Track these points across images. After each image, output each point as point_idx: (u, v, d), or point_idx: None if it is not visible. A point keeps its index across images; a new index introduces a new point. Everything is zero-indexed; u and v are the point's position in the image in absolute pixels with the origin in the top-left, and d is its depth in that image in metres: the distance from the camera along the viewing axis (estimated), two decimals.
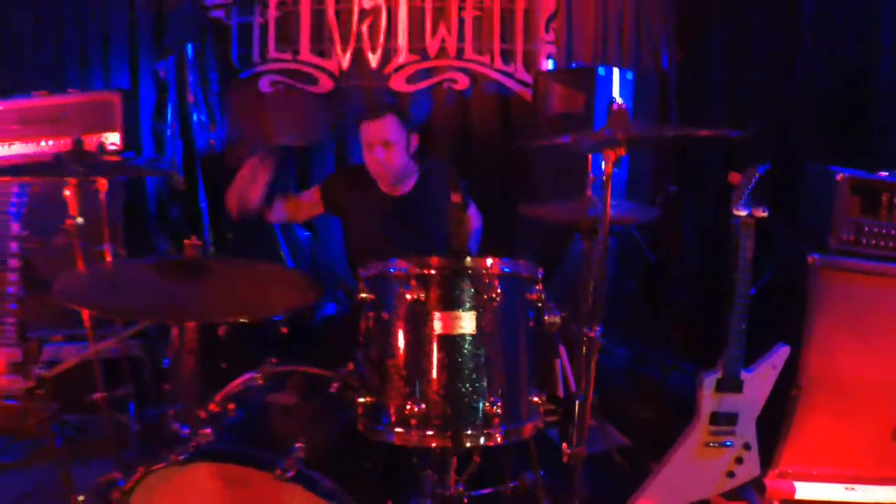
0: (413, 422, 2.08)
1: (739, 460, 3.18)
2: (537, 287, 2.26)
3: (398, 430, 2.11)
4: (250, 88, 5.32)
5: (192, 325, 2.54)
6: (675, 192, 4.40)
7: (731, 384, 3.08)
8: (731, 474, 3.19)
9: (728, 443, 3.13)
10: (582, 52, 5.05)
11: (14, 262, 3.70)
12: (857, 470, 3.38)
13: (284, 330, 2.94)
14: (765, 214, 2.96)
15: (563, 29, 5.08)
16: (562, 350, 3.68)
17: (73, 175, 2.73)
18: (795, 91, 4.67)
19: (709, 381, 3.10)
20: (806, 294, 3.26)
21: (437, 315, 2.10)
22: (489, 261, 2.16)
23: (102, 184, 2.97)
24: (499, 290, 2.14)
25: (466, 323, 2.11)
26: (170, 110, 5.14)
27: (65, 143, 4.15)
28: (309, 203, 3.75)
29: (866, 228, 3.27)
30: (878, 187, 3.29)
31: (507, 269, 2.19)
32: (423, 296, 2.11)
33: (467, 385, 2.09)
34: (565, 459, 2.56)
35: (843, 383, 3.31)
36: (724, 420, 3.11)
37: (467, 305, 2.11)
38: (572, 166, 3.86)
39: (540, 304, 2.26)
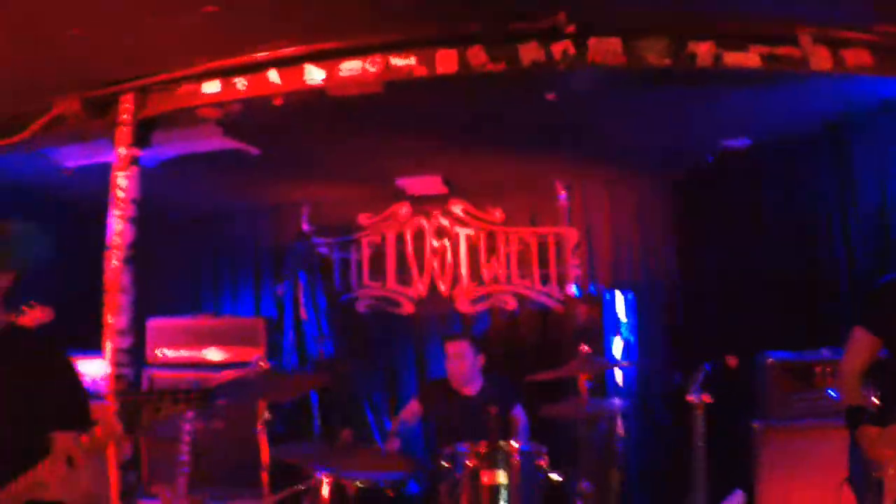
0: None
1: None
2: (543, 458, 3.58)
3: None
4: (350, 309, 6.69)
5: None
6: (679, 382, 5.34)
7: None
8: None
9: None
10: (600, 276, 6.23)
11: (186, 435, 5.02)
12: None
13: (391, 493, 4.12)
14: (710, 400, 3.95)
15: (585, 255, 6.31)
16: None
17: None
18: (759, 289, 5.45)
19: None
20: (752, 451, 4.21)
21: (484, 473, 3.43)
22: (513, 443, 3.52)
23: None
24: (518, 459, 3.47)
25: (501, 477, 3.43)
26: (286, 325, 6.54)
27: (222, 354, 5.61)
28: (413, 411, 5.08)
29: (797, 397, 4.23)
30: (808, 364, 4.25)
31: (523, 448, 3.53)
32: (476, 462, 3.45)
33: None
34: None
35: None
36: None
37: (501, 466, 3.44)
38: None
39: (545, 467, 3.57)
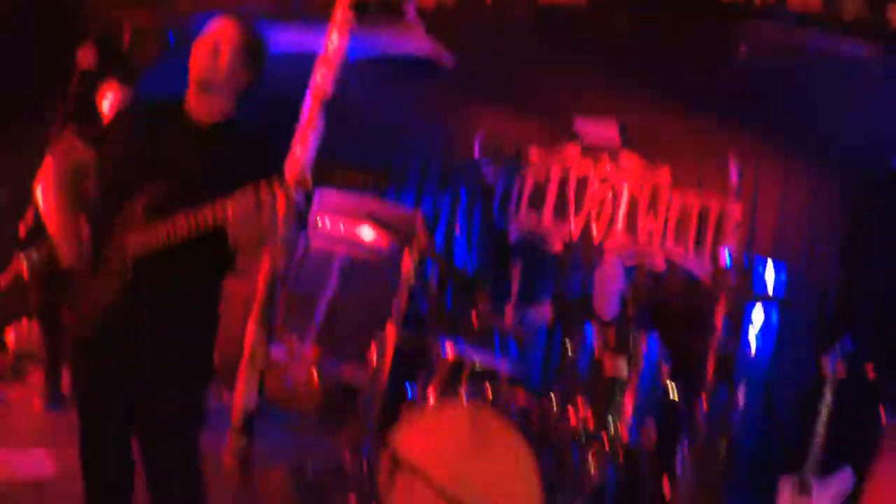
0: None
1: None
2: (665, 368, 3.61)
3: None
4: (501, 236, 6.83)
5: None
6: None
7: (804, 488, 3.93)
8: None
9: None
10: (760, 248, 6.06)
11: (327, 294, 5.32)
12: None
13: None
14: (843, 373, 3.92)
15: (745, 232, 6.10)
16: None
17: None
18: None
19: (786, 483, 3.96)
20: (879, 444, 4.05)
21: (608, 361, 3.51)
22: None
23: None
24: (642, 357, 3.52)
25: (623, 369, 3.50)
26: (437, 236, 6.83)
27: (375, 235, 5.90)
28: (544, 313, 5.15)
29: None
30: None
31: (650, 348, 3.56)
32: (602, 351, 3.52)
33: None
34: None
35: None
36: None
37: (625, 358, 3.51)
38: None
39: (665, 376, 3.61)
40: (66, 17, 5.79)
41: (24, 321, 5.58)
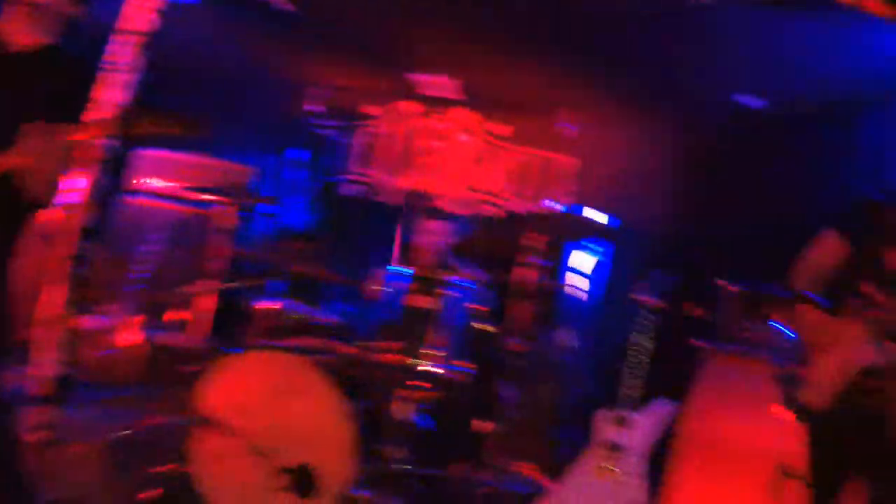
0: None
1: (626, 487, 3.82)
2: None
3: None
4: (337, 191, 6.67)
5: None
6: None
7: (621, 421, 3.94)
8: (618, 497, 3.81)
9: (616, 468, 3.82)
10: (593, 198, 6.11)
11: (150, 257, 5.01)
12: None
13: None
14: (658, 303, 4.00)
15: (580, 184, 6.26)
16: None
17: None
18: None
19: (602, 415, 3.97)
20: (691, 368, 4.13)
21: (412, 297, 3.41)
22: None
23: None
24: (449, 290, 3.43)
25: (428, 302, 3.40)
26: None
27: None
28: None
29: (747, 325, 4.16)
30: (764, 296, 4.14)
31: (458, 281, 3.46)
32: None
33: None
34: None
35: (717, 444, 3.93)
36: (614, 448, 3.88)
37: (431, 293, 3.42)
38: None
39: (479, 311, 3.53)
40: None
41: None
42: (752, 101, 5.46)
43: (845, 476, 2.77)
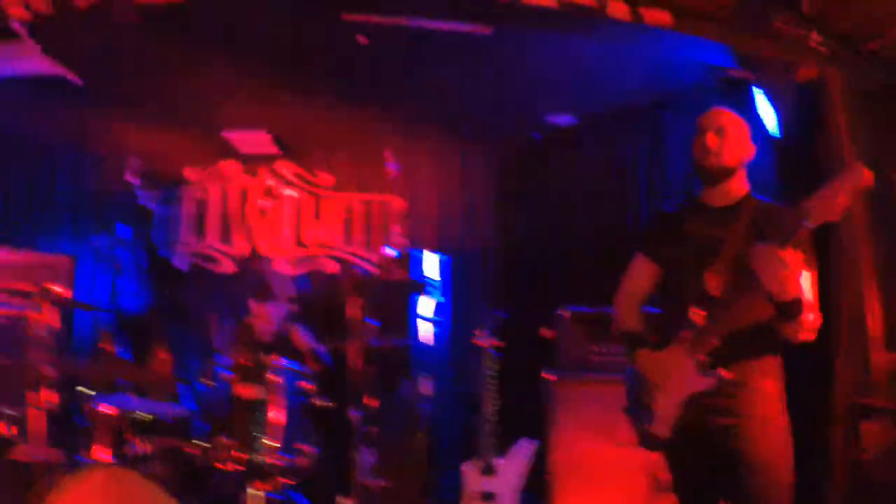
0: None
1: None
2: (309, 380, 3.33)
3: None
4: (169, 265, 6.28)
5: None
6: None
7: (487, 470, 3.89)
8: None
9: None
10: (422, 241, 6.05)
11: None
12: None
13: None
14: (497, 343, 3.94)
15: (409, 222, 6.15)
16: None
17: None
18: (572, 253, 5.59)
19: (469, 468, 3.91)
20: (546, 400, 4.11)
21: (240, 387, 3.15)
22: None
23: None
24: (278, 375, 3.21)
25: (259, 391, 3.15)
26: (103, 277, 6.11)
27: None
28: None
29: (591, 350, 4.17)
30: (605, 317, 3.86)
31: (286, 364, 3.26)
32: (235, 376, 3.15)
33: None
34: None
35: (588, 468, 3.96)
36: (485, 498, 3.83)
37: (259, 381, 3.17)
38: None
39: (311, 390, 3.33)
40: None
41: None
42: (560, 119, 5.60)
43: (709, 487, 2.79)
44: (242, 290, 6.13)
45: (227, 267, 6.36)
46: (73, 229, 6.48)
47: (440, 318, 5.40)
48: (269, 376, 3.20)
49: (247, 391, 3.13)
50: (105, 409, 3.67)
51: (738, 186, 2.82)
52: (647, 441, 2.78)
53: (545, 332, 4.38)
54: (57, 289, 3.96)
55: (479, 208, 6.18)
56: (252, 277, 6.23)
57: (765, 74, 4.15)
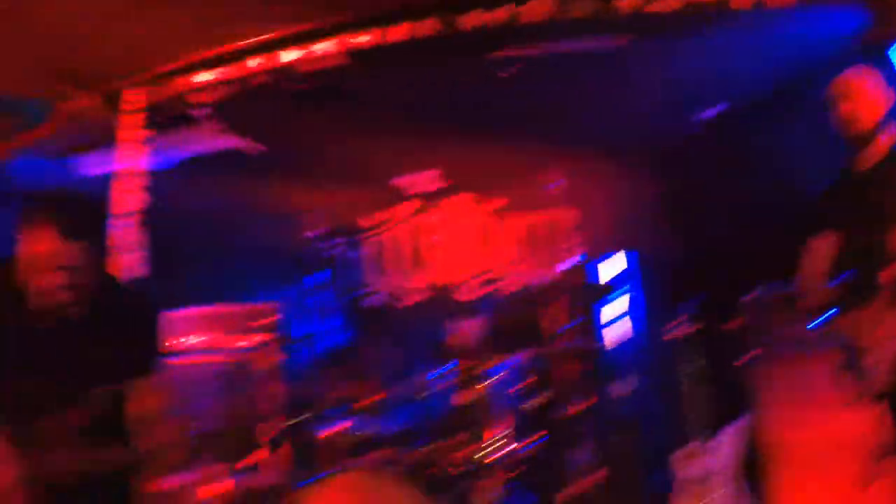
0: None
1: None
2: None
3: None
4: (360, 305, 6.72)
5: None
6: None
7: (700, 453, 3.93)
8: None
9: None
10: (597, 249, 6.23)
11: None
12: None
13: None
14: (693, 330, 4.00)
15: (581, 233, 6.30)
16: None
17: None
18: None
19: (680, 453, 3.99)
20: (751, 383, 4.11)
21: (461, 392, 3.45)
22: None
23: None
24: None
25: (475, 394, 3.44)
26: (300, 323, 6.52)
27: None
28: None
29: (789, 327, 4.06)
30: (795, 296, 3.81)
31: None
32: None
33: None
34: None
35: (800, 446, 3.90)
36: (700, 482, 3.87)
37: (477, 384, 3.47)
38: None
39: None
40: None
41: None
42: (710, 113, 5.63)
43: None
44: (434, 316, 6.55)
45: (414, 299, 6.72)
46: (269, 284, 7.12)
47: (630, 317, 5.50)
48: (485, 381, 3.48)
49: (469, 392, 3.42)
50: (330, 432, 4.14)
51: (888, 138, 2.84)
52: (869, 397, 2.84)
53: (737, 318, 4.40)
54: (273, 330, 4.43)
55: (650, 209, 6.20)
56: (440, 304, 6.61)
57: None
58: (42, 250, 2.38)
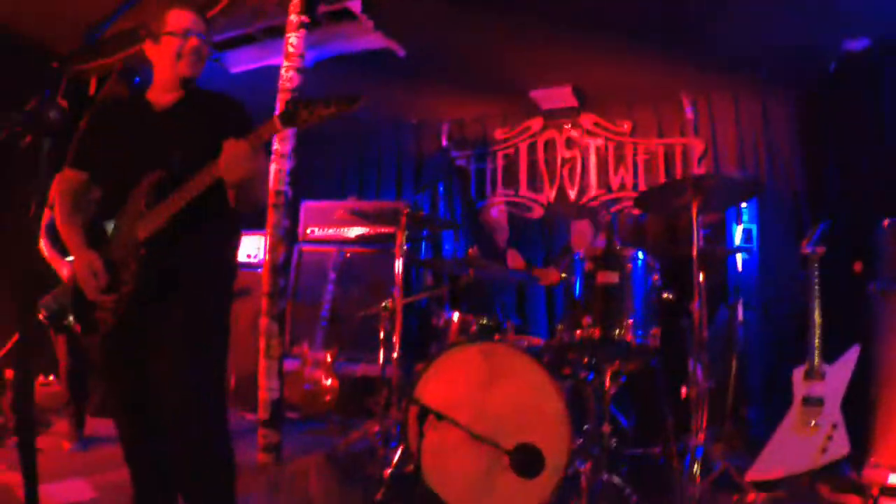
0: None
1: (830, 438, 3.76)
2: (656, 272, 3.59)
3: None
4: (484, 214, 6.82)
5: None
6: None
7: (814, 374, 3.89)
8: (824, 450, 3.76)
9: (817, 422, 3.78)
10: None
11: (328, 297, 5.39)
12: None
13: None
14: (822, 251, 3.92)
15: (710, 164, 6.21)
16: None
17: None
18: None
19: (798, 372, 3.92)
20: (869, 311, 4.03)
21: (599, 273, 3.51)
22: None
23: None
24: (631, 263, 3.51)
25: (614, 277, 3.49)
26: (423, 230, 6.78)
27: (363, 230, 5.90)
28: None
29: None
30: None
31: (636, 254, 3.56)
32: (593, 265, 3.53)
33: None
34: (683, 396, 3.64)
35: None
36: (813, 403, 3.86)
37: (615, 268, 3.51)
38: None
39: (658, 281, 3.59)
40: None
41: (41, 377, 5.55)
42: (855, 44, 5.36)
43: None
44: (553, 231, 6.61)
45: (537, 212, 6.80)
46: (398, 189, 7.28)
47: (752, 247, 5.42)
48: (625, 264, 3.50)
49: (604, 276, 3.46)
50: (448, 317, 4.27)
51: None
52: None
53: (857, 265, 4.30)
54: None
55: (781, 146, 6.05)
56: (561, 219, 6.64)
57: None
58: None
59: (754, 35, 5.26)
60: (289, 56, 4.40)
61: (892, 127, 5.37)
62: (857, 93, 5.59)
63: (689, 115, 6.30)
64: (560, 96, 6.52)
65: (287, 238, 4.31)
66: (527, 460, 3.22)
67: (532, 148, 6.88)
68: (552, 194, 6.75)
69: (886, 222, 4.17)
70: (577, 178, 6.68)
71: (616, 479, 3.38)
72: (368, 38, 5.54)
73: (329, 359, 5.41)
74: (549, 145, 6.83)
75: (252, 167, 2.36)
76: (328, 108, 2.32)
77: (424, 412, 3.35)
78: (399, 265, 4.22)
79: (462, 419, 3.32)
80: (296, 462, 4.04)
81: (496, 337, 3.89)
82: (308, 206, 6.20)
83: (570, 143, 6.73)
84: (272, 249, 4.18)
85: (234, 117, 2.65)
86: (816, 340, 3.92)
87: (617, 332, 3.37)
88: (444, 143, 7.14)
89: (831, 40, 5.36)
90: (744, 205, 5.34)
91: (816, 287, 3.96)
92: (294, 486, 3.84)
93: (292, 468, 3.95)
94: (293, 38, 4.44)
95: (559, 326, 3.54)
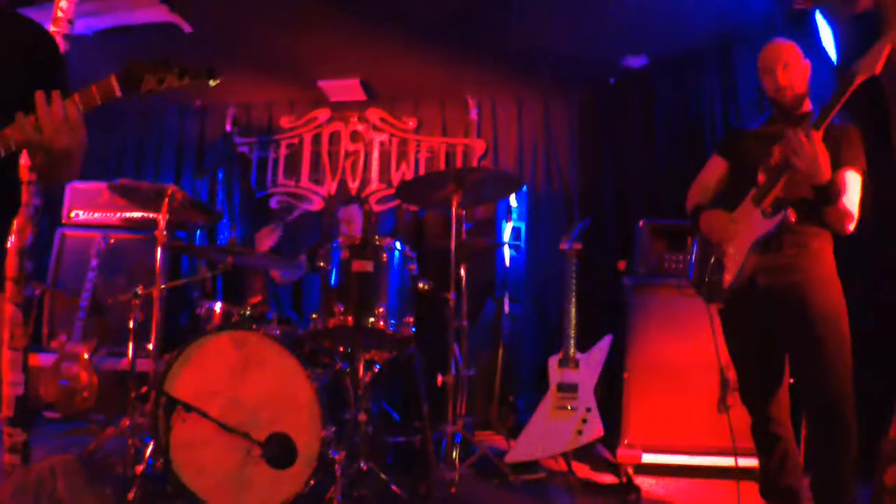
0: None
1: (585, 421, 3.94)
2: (413, 263, 3.56)
3: None
4: (263, 205, 6.56)
5: None
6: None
7: (569, 362, 4.06)
8: (579, 433, 3.93)
9: (572, 406, 3.95)
10: None
11: (88, 286, 4.97)
12: (692, 440, 3.97)
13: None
14: (579, 247, 4.11)
15: (490, 164, 6.34)
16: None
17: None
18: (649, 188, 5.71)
19: (553, 360, 4.07)
20: (624, 304, 4.23)
21: (355, 263, 3.41)
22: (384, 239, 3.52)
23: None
24: (386, 253, 3.45)
25: (369, 266, 3.41)
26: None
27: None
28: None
29: (666, 257, 4.29)
30: (675, 229, 4.31)
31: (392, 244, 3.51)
32: (349, 254, 3.41)
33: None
34: (439, 383, 3.60)
35: (663, 367, 4.04)
36: (567, 388, 4.02)
37: (370, 257, 3.42)
38: None
39: (414, 272, 3.56)
40: None
41: None
42: (634, 61, 5.68)
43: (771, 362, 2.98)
44: (331, 223, 6.46)
45: (317, 204, 6.64)
46: (177, 175, 6.88)
47: (520, 244, 5.58)
48: (380, 254, 3.43)
49: (359, 265, 3.37)
50: (209, 306, 4.04)
51: (806, 106, 2.99)
52: (713, 293, 2.98)
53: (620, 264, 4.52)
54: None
55: (559, 149, 6.29)
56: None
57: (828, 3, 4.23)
58: None
59: (541, 42, 5.42)
60: (56, 21, 3.96)
61: (662, 137, 5.76)
62: (632, 104, 5.94)
63: (474, 116, 6.42)
64: (348, 89, 6.41)
65: (37, 218, 3.88)
66: (279, 451, 3.09)
67: (317, 139, 6.71)
68: (333, 187, 6.60)
69: (642, 222, 4.43)
70: (360, 172, 6.59)
71: (373, 466, 3.32)
72: (152, 11, 5.19)
73: (86, 353, 4.97)
74: (335, 137, 6.68)
75: (80, 136, 1.90)
76: (181, 80, 1.94)
77: (171, 404, 3.15)
78: (160, 250, 3.92)
79: (214, 410, 3.14)
80: (42, 463, 3.65)
81: (253, 326, 3.70)
82: (73, 188, 5.66)
83: (355, 136, 6.63)
84: (20, 231, 3.74)
85: (48, 56, 2.15)
86: (571, 330, 4.08)
87: (370, 320, 3.29)
88: (229, 128, 6.81)
89: (613, 54, 5.62)
90: (514, 204, 5.48)
91: (573, 281, 4.13)
92: (41, 489, 3.48)
93: (38, 469, 3.56)
94: (63, 3, 4.00)
95: (313, 315, 3.42)
